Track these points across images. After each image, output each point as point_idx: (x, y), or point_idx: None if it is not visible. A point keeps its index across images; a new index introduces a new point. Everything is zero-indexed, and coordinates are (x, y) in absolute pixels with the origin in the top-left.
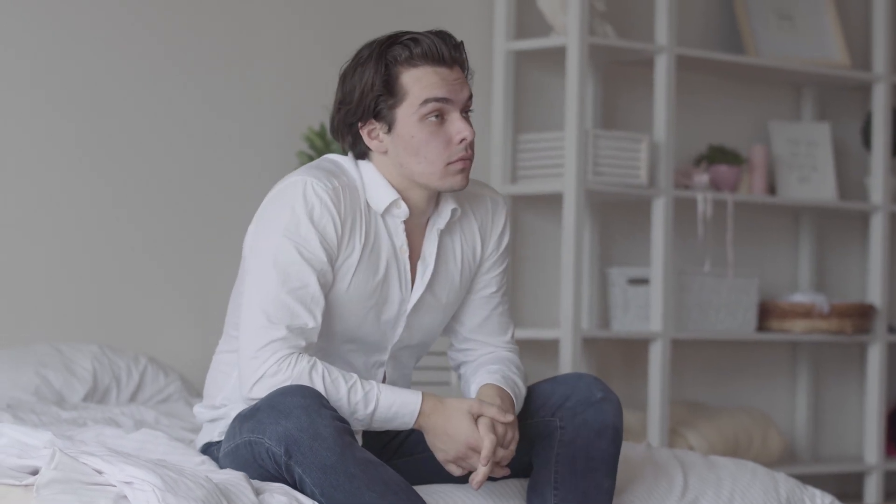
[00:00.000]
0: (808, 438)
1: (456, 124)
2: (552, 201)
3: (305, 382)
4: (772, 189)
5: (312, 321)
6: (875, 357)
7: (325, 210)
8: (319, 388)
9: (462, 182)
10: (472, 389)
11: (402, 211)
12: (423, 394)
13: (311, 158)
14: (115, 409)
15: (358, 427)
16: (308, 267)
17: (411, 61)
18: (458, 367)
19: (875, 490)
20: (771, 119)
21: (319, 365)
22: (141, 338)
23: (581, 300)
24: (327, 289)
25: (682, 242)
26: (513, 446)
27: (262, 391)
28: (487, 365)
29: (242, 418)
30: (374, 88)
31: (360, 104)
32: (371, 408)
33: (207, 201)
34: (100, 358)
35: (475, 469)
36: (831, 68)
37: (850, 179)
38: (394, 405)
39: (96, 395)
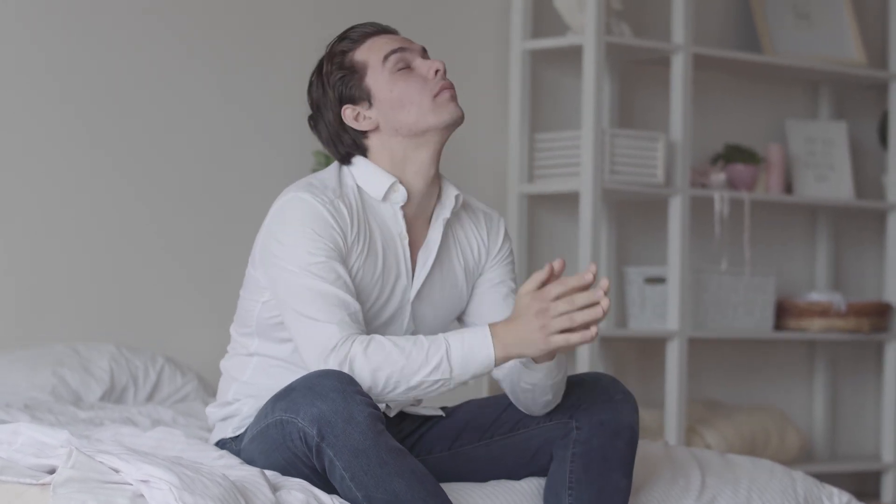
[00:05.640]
0: (825, 437)
1: (423, 64)
2: (569, 200)
3: (370, 375)
4: (788, 188)
5: (355, 302)
6: (892, 355)
7: (327, 223)
8: (389, 368)
9: (456, 110)
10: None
11: (401, 195)
12: (489, 330)
13: (327, 157)
14: (133, 408)
15: (444, 386)
16: (332, 261)
17: (355, 42)
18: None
19: (893, 488)
20: (788, 118)
21: (373, 344)
22: (158, 338)
23: None
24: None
25: (698, 241)
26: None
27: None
28: None
29: (276, 398)
30: (334, 74)
31: (332, 95)
32: (444, 360)
33: (225, 200)
34: (117, 358)
35: (566, 316)
36: (848, 67)
37: (866, 178)
38: (465, 354)
39: (113, 394)
